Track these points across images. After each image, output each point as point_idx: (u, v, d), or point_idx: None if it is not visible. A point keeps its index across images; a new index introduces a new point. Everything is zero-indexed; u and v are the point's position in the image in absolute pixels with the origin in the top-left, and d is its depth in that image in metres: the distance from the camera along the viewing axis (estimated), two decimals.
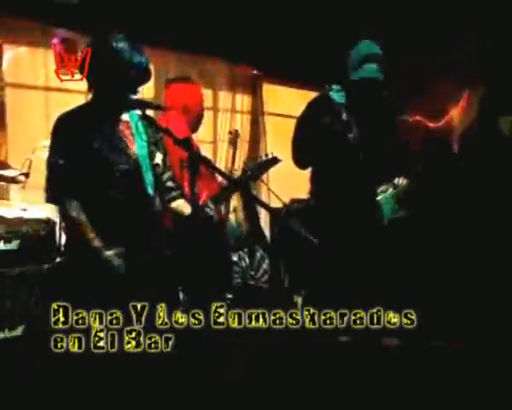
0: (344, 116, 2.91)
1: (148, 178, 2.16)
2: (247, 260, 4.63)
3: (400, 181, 3.28)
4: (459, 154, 4.36)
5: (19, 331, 2.66)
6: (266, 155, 2.60)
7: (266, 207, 2.17)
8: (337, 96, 2.93)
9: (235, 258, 4.51)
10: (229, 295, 4.00)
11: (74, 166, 2.06)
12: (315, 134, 2.89)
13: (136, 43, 2.11)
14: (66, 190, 2.07)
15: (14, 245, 2.74)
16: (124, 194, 2.10)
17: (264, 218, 5.19)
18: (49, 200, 2.12)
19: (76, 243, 2.11)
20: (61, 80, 4.06)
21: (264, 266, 4.73)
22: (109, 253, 2.03)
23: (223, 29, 4.56)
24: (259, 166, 2.55)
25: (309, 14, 4.83)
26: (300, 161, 2.95)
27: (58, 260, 2.84)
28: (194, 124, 3.18)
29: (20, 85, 4.01)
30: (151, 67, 2.16)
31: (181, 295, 2.73)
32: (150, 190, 2.16)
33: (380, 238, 2.95)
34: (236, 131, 3.98)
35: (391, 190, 3.41)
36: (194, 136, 3.21)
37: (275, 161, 2.59)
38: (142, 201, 2.14)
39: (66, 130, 2.09)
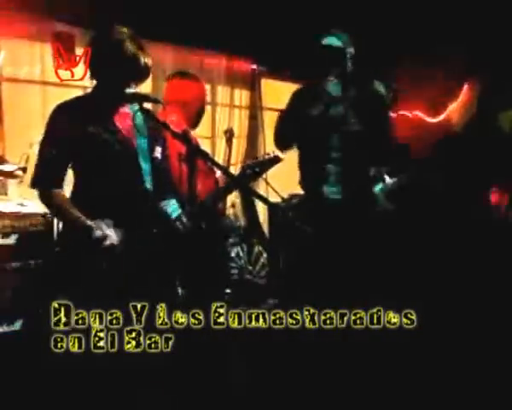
0: (335, 106, 2.95)
1: (146, 171, 2.16)
2: (245, 255, 4.63)
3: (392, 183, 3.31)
4: (458, 149, 4.35)
5: (17, 326, 2.66)
6: (268, 153, 2.54)
7: (265, 200, 2.16)
8: (332, 87, 2.97)
9: (233, 253, 4.51)
10: (228, 290, 4.00)
11: (67, 156, 2.06)
12: (304, 123, 2.94)
13: (138, 37, 2.11)
14: (53, 178, 2.06)
15: (12, 240, 2.74)
16: (121, 186, 2.09)
17: (262, 212, 5.19)
18: (33, 185, 2.11)
19: (67, 231, 2.10)
20: (61, 80, 4.05)
21: (262, 260, 4.72)
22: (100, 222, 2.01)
23: (221, 23, 4.54)
24: (260, 164, 2.50)
25: (308, 8, 4.82)
26: (281, 146, 3.02)
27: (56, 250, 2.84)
28: (194, 119, 3.16)
29: (16, 80, 3.99)
30: (150, 63, 2.15)
31: (179, 291, 2.73)
32: (148, 183, 2.15)
33: (369, 231, 2.95)
34: (231, 129, 3.98)
35: (381, 185, 3.43)
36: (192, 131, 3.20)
37: (276, 159, 2.54)
38: (140, 194, 2.13)
39: (63, 119, 2.08)
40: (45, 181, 2.08)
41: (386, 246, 3.11)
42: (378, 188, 3.38)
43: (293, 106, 3.10)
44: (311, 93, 3.05)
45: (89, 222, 2.01)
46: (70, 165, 2.11)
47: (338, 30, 3.03)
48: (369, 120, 2.95)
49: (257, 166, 2.49)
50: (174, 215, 2.20)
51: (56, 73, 4.05)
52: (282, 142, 3.08)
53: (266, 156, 2.53)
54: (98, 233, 2.00)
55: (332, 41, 2.98)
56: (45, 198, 2.10)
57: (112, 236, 2.02)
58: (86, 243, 1.99)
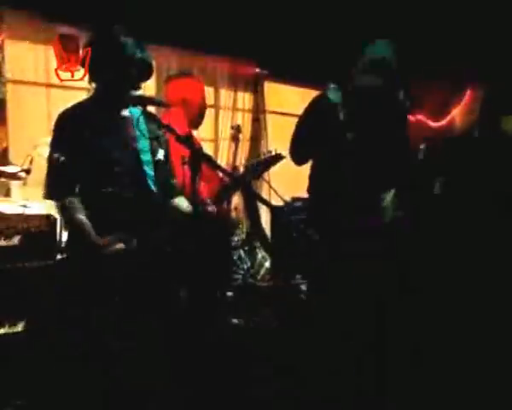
0: (340, 116, 2.92)
1: (150, 174, 2.16)
2: (247, 258, 4.63)
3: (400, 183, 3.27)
4: (461, 153, 4.35)
5: (19, 327, 2.66)
6: (269, 151, 2.54)
7: (267, 204, 2.16)
8: (334, 95, 2.93)
9: (235, 256, 4.51)
10: (230, 293, 4.00)
11: (76, 162, 2.05)
12: (311, 132, 2.91)
13: (138, 38, 2.11)
14: (66, 187, 2.06)
15: (14, 241, 2.74)
16: (126, 190, 2.10)
17: (265, 216, 5.19)
18: (48, 196, 2.11)
19: (74, 240, 2.11)
20: (61, 80, 4.08)
21: (266, 264, 4.72)
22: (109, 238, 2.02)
23: (225, 27, 4.56)
24: (262, 163, 2.50)
25: (311, 12, 4.83)
26: (296, 157, 2.98)
27: (59, 256, 2.84)
28: (196, 119, 3.16)
29: (21, 82, 4.01)
30: (153, 63, 2.15)
31: (181, 293, 2.72)
32: (152, 187, 2.15)
33: (377, 237, 2.94)
34: (238, 125, 3.98)
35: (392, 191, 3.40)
36: (195, 133, 3.20)
37: (278, 157, 2.53)
38: (144, 197, 2.14)
39: (68, 125, 2.09)
40: (57, 190, 2.08)
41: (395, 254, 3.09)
42: (389, 195, 3.37)
43: (304, 116, 3.02)
44: (321, 102, 2.98)
45: (98, 240, 2.01)
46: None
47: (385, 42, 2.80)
48: (389, 130, 2.90)
49: (260, 165, 2.49)
50: (188, 211, 2.21)
51: (56, 73, 4.09)
52: (299, 153, 2.98)
53: (268, 154, 2.53)
54: (106, 250, 2.01)
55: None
56: (59, 208, 2.10)
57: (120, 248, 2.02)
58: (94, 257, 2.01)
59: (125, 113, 2.18)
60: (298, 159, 3.00)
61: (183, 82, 3.17)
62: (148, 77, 2.15)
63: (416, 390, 2.74)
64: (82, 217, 2.04)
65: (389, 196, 3.34)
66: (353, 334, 2.64)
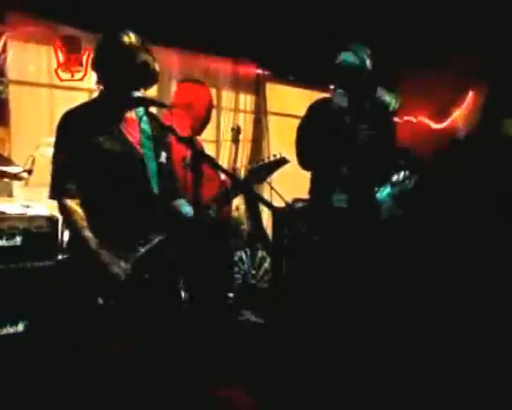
0: (345, 119, 2.95)
1: (154, 176, 2.16)
2: (248, 259, 4.63)
3: (399, 178, 3.30)
4: (462, 155, 4.35)
5: (21, 327, 2.66)
6: (274, 155, 2.49)
7: (269, 205, 2.15)
8: (340, 99, 2.95)
9: (236, 257, 4.51)
10: (230, 294, 4.00)
11: (79, 163, 2.06)
12: (317, 137, 2.93)
13: (144, 41, 2.11)
14: (69, 187, 2.06)
15: (16, 241, 2.75)
16: (128, 191, 2.10)
17: (266, 217, 5.19)
18: (52, 196, 2.11)
19: (75, 241, 2.11)
20: (61, 80, 4.09)
21: (266, 265, 4.72)
22: (108, 254, 2.01)
23: (226, 28, 4.56)
24: (266, 167, 2.47)
25: (313, 14, 4.83)
26: (304, 163, 3.02)
27: (60, 257, 2.85)
28: (198, 126, 3.16)
29: (23, 82, 4.01)
30: (157, 67, 2.15)
31: (183, 294, 2.73)
32: (155, 188, 2.16)
33: (378, 239, 2.96)
34: (238, 127, 3.98)
35: (388, 188, 3.42)
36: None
37: (283, 161, 2.49)
38: (147, 198, 2.14)
39: (73, 125, 2.09)
40: (58, 190, 2.08)
41: (392, 254, 3.10)
42: (385, 192, 3.38)
43: (307, 121, 3.06)
44: (324, 107, 3.01)
45: (97, 248, 2.00)
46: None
47: (356, 44, 2.93)
48: (378, 132, 2.94)
49: (263, 169, 2.46)
50: (189, 214, 2.21)
51: (56, 73, 4.12)
52: (305, 159, 3.02)
53: (273, 158, 2.49)
54: (104, 261, 2.00)
55: (347, 58, 2.90)
56: (60, 210, 2.10)
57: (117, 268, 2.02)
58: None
59: (130, 114, 2.18)
60: (305, 163, 3.03)
61: (191, 86, 3.18)
62: (154, 83, 2.15)
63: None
64: (83, 224, 2.03)
65: (384, 192, 3.36)
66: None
